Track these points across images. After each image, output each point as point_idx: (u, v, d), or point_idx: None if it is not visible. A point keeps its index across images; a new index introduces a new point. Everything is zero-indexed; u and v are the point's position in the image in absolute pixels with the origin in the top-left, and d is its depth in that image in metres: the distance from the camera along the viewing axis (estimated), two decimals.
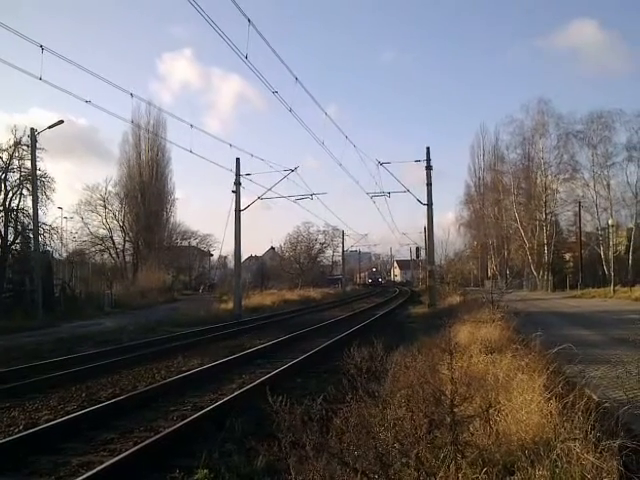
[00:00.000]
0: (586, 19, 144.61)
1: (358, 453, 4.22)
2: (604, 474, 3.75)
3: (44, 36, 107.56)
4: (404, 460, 4.11)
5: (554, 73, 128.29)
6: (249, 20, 14.52)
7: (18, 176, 31.43)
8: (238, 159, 30.84)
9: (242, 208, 31.33)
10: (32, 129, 28.00)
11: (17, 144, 30.80)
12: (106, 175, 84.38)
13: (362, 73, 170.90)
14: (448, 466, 4.07)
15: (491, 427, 4.81)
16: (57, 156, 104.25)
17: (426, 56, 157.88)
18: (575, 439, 4.14)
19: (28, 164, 29.69)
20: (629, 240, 51.20)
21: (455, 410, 4.52)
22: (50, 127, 28.43)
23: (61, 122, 29.19)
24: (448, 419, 4.47)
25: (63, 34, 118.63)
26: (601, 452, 3.93)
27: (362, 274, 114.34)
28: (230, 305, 33.26)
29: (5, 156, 30.81)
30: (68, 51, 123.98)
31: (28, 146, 29.07)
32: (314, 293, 55.69)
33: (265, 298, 43.31)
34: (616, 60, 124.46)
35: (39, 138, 28.20)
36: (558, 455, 4.00)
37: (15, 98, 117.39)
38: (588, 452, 3.94)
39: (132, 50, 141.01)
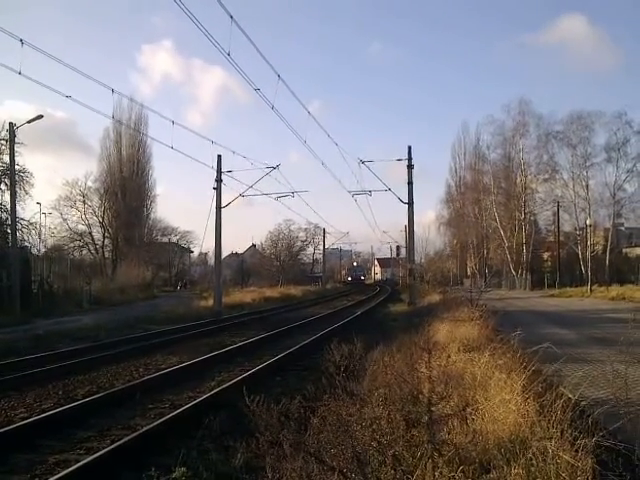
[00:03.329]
0: (575, 14, 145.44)
1: (335, 452, 4.23)
2: (579, 472, 3.79)
3: (23, 29, 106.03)
4: (381, 458, 4.12)
5: (541, 69, 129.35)
6: (231, 16, 14.41)
7: None
8: (219, 156, 30.71)
9: (223, 205, 31.24)
10: (11, 124, 27.66)
11: None
12: (86, 170, 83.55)
13: (347, 69, 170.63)
14: (425, 464, 4.08)
15: (468, 426, 4.84)
16: (34, 150, 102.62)
17: (413, 51, 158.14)
18: (551, 438, 4.17)
19: (6, 158, 29.31)
20: (606, 240, 51.89)
21: (432, 409, 4.55)
22: (29, 122, 28.10)
23: (40, 117, 28.88)
24: (425, 418, 4.49)
25: (42, 26, 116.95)
26: (577, 450, 3.96)
27: (343, 272, 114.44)
28: (210, 302, 33.11)
29: None
30: (45, 42, 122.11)
31: (6, 140, 28.65)
32: (295, 290, 55.60)
33: (246, 295, 43.18)
34: (603, 57, 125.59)
35: (17, 132, 27.84)
36: (534, 454, 4.03)
37: None
38: (564, 450, 3.97)
39: (112, 41, 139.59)
